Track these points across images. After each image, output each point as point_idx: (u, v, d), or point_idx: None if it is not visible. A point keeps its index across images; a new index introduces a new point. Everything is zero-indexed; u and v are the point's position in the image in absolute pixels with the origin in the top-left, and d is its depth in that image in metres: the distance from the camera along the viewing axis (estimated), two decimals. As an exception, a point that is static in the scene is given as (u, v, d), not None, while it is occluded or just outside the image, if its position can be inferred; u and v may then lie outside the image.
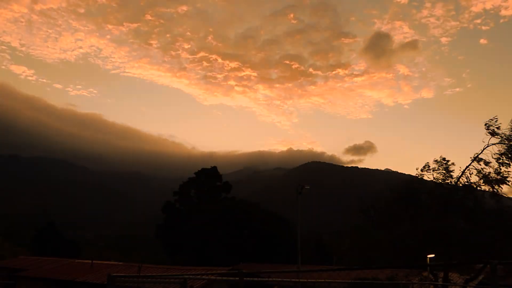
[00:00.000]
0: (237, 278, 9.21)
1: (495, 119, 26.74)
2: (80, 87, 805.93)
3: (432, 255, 25.60)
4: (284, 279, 23.11)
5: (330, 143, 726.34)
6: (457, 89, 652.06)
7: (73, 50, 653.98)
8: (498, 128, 26.51)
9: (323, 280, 19.92)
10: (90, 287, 30.78)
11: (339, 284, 24.28)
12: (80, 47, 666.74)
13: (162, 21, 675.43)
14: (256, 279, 24.53)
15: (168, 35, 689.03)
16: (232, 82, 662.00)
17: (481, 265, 23.39)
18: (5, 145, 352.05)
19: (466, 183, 27.58)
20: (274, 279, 24.22)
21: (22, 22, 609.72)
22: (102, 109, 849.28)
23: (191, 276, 20.01)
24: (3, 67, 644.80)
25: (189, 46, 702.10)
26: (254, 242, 53.92)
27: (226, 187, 69.18)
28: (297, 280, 22.38)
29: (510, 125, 26.37)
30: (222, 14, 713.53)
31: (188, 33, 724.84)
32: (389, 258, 30.78)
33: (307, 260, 49.09)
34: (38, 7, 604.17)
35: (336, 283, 21.44)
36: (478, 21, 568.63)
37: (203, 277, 21.56)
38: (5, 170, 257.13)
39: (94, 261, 36.69)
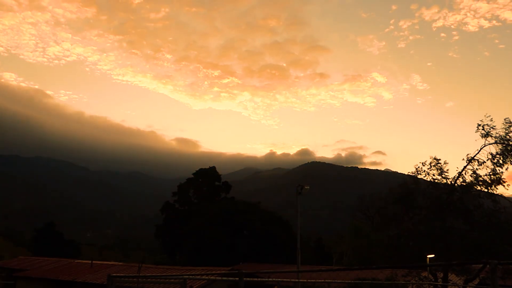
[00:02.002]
0: (237, 278, 9.25)
1: (490, 119, 26.74)
2: (70, 92, 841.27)
3: (432, 255, 25.65)
4: (284, 279, 23.14)
5: (324, 145, 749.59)
6: (430, 96, 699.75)
7: (60, 60, 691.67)
8: (493, 128, 26.50)
9: (322, 280, 19.96)
10: (90, 287, 30.80)
11: (338, 284, 24.33)
12: (68, 56, 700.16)
13: (144, 33, 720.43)
14: (256, 279, 24.59)
15: (151, 46, 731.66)
16: (217, 89, 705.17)
17: (480, 266, 23.42)
18: (5, 145, 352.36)
19: (463, 183, 27.60)
20: (274, 279, 24.25)
21: (11, 34, 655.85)
22: (98, 111, 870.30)
23: (190, 276, 20.06)
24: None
25: (172, 56, 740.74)
26: (253, 242, 53.92)
27: (225, 187, 69.15)
28: (297, 280, 22.42)
29: (504, 125, 26.37)
30: (201, 26, 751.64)
31: (170, 44, 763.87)
32: (388, 259, 30.83)
33: (307, 260, 49.10)
34: (27, 20, 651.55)
35: (335, 283, 21.49)
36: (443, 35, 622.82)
37: (203, 277, 21.61)
38: (5, 170, 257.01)
39: (93, 261, 36.71)
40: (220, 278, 16.28)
